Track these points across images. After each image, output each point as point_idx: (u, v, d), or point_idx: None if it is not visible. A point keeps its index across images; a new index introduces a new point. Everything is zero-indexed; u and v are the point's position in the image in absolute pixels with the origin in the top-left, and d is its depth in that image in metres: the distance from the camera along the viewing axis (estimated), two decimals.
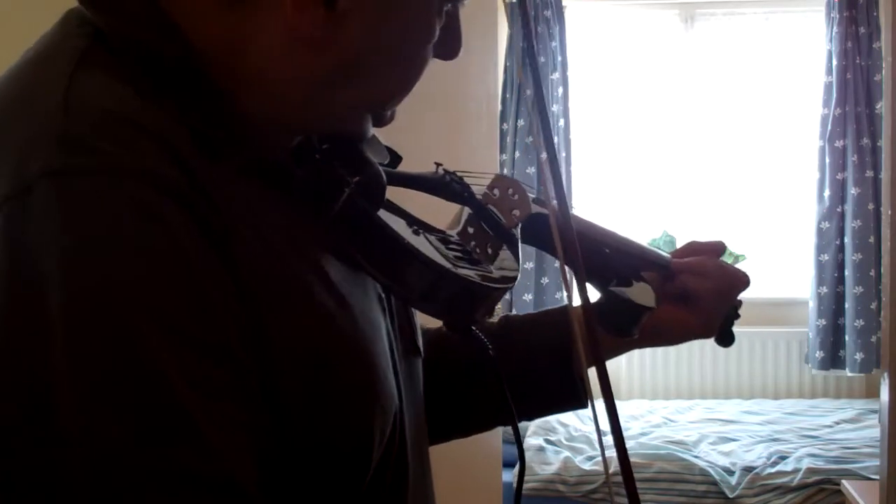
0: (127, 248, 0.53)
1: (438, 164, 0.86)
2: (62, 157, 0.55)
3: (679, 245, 1.02)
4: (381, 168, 0.71)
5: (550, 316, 1.00)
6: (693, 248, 1.01)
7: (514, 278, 0.76)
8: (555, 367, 0.96)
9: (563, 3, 4.80)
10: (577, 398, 0.97)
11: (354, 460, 0.65)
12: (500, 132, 4.58)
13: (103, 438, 0.51)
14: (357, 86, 0.68)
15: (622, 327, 0.92)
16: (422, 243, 0.70)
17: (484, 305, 0.72)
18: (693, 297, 0.97)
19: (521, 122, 4.73)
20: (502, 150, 4.67)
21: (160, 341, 0.53)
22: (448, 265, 0.69)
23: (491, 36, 2.20)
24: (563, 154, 4.77)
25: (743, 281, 0.98)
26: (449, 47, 0.73)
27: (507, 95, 4.77)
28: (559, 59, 4.75)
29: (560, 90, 4.75)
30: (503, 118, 4.72)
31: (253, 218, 0.62)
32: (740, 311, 1.03)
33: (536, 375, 0.95)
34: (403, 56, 0.69)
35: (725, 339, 1.03)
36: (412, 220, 0.73)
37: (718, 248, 1.00)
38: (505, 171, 4.61)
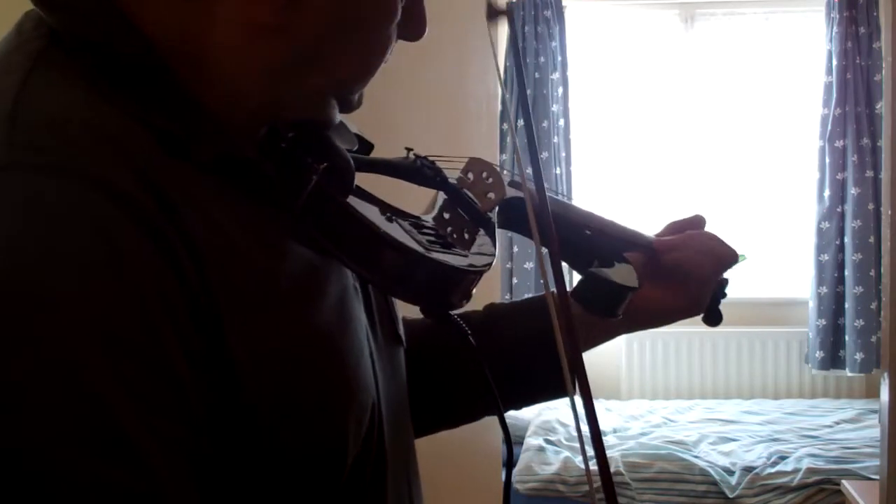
0: (64, 251, 0.51)
1: (409, 150, 0.85)
2: (6, 155, 0.54)
3: None
4: (349, 154, 0.70)
5: (535, 304, 0.99)
6: (674, 227, 1.01)
7: (490, 263, 0.75)
8: (541, 355, 0.93)
9: (563, 3, 4.80)
10: (564, 386, 0.97)
11: (330, 458, 0.64)
12: (500, 132, 4.58)
13: (33, 449, 0.49)
14: (320, 71, 0.66)
15: (606, 308, 0.91)
16: (394, 229, 0.69)
17: (459, 290, 0.71)
18: (680, 273, 0.96)
19: (520, 122, 4.73)
20: (502, 150, 4.67)
21: (96, 352, 0.51)
22: (421, 250, 0.68)
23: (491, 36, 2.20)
24: (563, 154, 4.77)
25: (730, 255, 0.98)
26: (412, 28, 0.71)
27: (507, 95, 4.77)
28: (559, 59, 4.75)
29: (560, 90, 4.75)
30: (503, 118, 4.72)
31: (217, 217, 0.60)
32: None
33: (523, 364, 0.94)
34: (365, 38, 0.67)
35: (713, 317, 1.02)
36: (384, 207, 0.72)
37: (699, 222, 1.00)
38: (505, 171, 4.61)
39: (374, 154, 0.82)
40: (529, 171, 0.71)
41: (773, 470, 3.72)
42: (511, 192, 0.87)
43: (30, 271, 0.51)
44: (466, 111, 2.11)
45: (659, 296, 0.97)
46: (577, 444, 4.19)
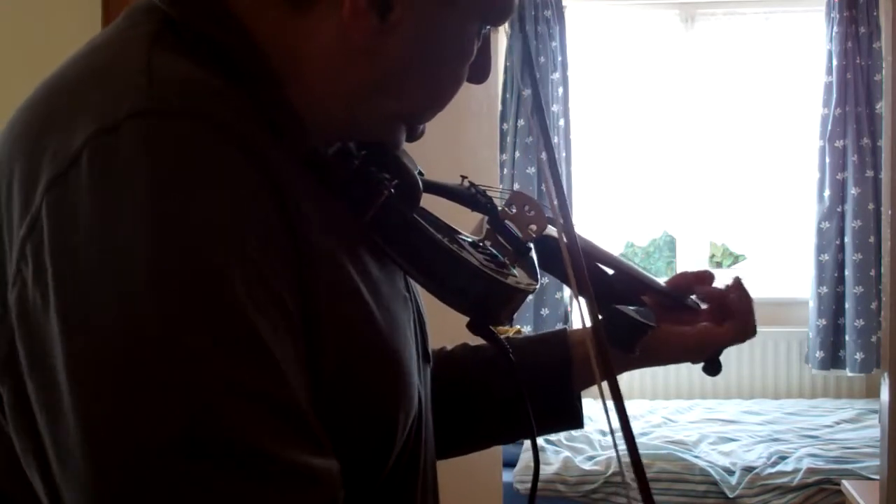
0: (210, 185, 0.56)
1: (464, 177, 0.91)
2: (147, 102, 0.58)
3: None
4: (416, 175, 0.75)
5: (550, 339, 1.02)
6: (683, 277, 1.03)
7: (535, 288, 0.79)
8: (555, 388, 0.98)
9: (563, 3, 4.80)
10: (575, 418, 1.00)
11: (378, 445, 0.67)
12: (500, 132, 4.58)
13: (189, 354, 0.52)
14: (396, 98, 0.71)
15: (624, 344, 0.94)
16: (454, 244, 0.73)
17: (509, 306, 0.75)
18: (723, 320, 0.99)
19: (521, 122, 4.73)
20: (502, 150, 4.67)
21: (238, 271, 0.55)
22: (479, 266, 0.73)
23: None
24: (563, 154, 4.77)
25: (753, 330, 1.00)
26: (480, 70, 0.76)
27: (507, 95, 4.77)
28: (559, 59, 4.75)
29: (560, 90, 4.75)
30: (503, 118, 4.72)
31: (309, 201, 0.64)
32: None
33: (537, 395, 0.97)
34: (443, 72, 0.73)
35: (714, 367, 1.05)
36: (441, 225, 0.77)
37: (708, 278, 1.03)
38: (505, 170, 4.61)
39: None
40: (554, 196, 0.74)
41: (773, 470, 3.72)
42: (547, 231, 0.92)
43: (177, 192, 0.55)
44: (467, 111, 2.11)
45: (669, 341, 0.99)
46: (577, 445, 4.19)
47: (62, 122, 0.59)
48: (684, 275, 1.03)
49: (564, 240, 0.77)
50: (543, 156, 0.80)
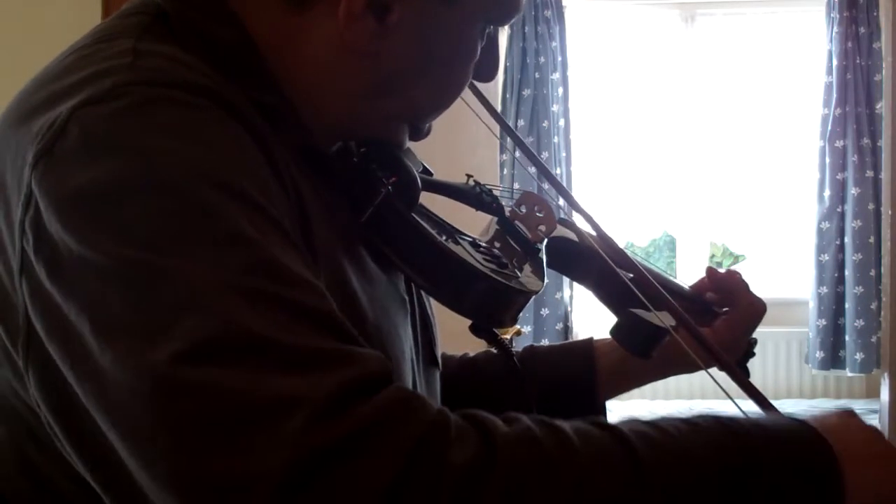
0: (200, 139, 0.57)
1: (469, 176, 0.89)
2: (133, 75, 0.59)
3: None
4: (416, 173, 0.74)
5: (575, 347, 1.00)
6: (708, 280, 1.00)
7: (539, 290, 0.78)
8: (578, 398, 0.96)
9: (563, 3, 4.80)
10: None
11: None
12: (500, 131, 4.57)
13: (190, 272, 0.53)
14: (398, 98, 0.71)
15: (641, 349, 0.91)
16: (453, 244, 0.73)
17: (511, 308, 0.74)
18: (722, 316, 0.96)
19: (521, 122, 4.73)
20: (502, 151, 4.67)
21: (235, 204, 0.55)
22: (479, 266, 0.71)
23: None
24: (564, 154, 4.77)
25: (761, 309, 0.97)
26: (486, 69, 0.75)
27: (508, 95, 4.76)
28: (559, 59, 4.75)
29: (560, 90, 4.75)
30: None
31: (305, 188, 0.63)
32: None
33: (559, 405, 0.95)
34: (445, 73, 0.72)
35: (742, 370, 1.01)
36: (443, 225, 0.76)
37: (735, 276, 0.99)
38: (505, 170, 4.61)
39: None
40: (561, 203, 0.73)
41: None
42: (560, 232, 0.90)
43: (177, 152, 0.56)
44: (466, 111, 2.11)
45: (691, 343, 0.95)
46: None
47: (46, 105, 0.59)
48: (708, 277, 0.99)
49: (589, 240, 0.75)
50: (532, 169, 0.79)
